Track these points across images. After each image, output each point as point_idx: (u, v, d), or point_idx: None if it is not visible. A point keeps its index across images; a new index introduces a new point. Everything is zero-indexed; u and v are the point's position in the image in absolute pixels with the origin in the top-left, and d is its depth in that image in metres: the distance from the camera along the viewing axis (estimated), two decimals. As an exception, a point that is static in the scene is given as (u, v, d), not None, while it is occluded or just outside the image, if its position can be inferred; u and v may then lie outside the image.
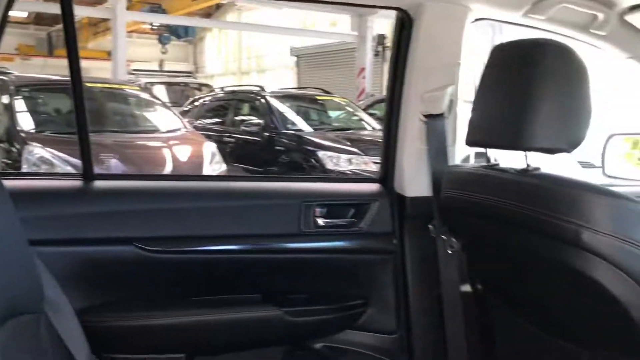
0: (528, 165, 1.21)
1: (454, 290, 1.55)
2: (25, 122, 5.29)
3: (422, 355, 1.62)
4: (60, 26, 1.46)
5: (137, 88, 6.89)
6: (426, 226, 1.56)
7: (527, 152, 1.19)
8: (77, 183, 1.55)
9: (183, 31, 18.67)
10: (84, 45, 17.78)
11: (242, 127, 7.33)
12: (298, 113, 7.52)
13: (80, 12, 13.22)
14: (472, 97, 1.33)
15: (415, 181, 1.62)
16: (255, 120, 7.24)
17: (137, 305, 1.49)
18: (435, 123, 1.56)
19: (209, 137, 6.50)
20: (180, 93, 12.62)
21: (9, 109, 5.34)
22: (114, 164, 4.94)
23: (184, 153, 5.59)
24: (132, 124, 6.30)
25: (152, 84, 11.36)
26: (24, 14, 17.16)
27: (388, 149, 1.68)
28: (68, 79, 1.51)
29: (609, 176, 2.04)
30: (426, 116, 1.57)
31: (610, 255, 1.03)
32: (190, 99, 9.88)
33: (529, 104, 1.14)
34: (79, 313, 1.32)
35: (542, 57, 1.15)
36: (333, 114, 8.12)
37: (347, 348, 1.63)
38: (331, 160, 6.24)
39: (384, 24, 11.78)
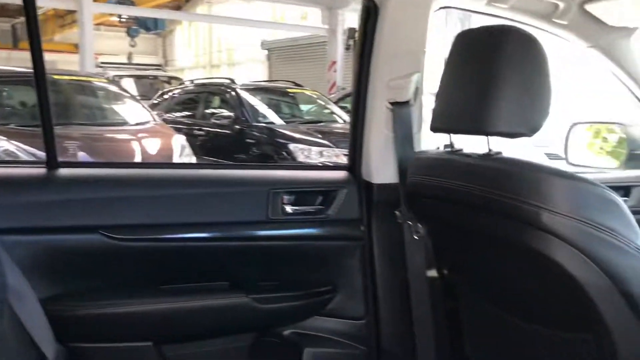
0: (490, 150, 1.23)
1: (420, 276, 1.57)
2: (-10, 115, 5.20)
3: (390, 340, 1.64)
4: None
5: (105, 80, 6.80)
6: (393, 212, 1.58)
7: (490, 137, 1.22)
8: (41, 171, 1.53)
9: (152, 24, 18.41)
10: (50, 38, 17.45)
11: (213, 120, 7.29)
12: (269, 106, 7.50)
13: (45, 3, 12.93)
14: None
15: (382, 168, 1.63)
16: (225, 113, 7.20)
17: (103, 294, 1.48)
18: (401, 110, 1.58)
19: (178, 130, 6.45)
20: (149, 86, 12.48)
21: (-27, 102, 5.24)
22: (82, 157, 4.88)
23: (153, 146, 5.54)
24: (101, 117, 6.23)
25: (121, 77, 11.21)
26: (-13, 6, 16.78)
27: (355, 136, 1.70)
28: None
29: (572, 164, 2.08)
30: (392, 104, 1.59)
31: (568, 235, 1.06)
32: (160, 92, 9.77)
33: (491, 89, 1.16)
34: (44, 302, 1.31)
35: (504, 43, 1.17)
36: (304, 107, 8.12)
37: (315, 334, 1.64)
38: (302, 153, 6.25)
39: (354, 17, 11.80)
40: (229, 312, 1.56)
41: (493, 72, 1.17)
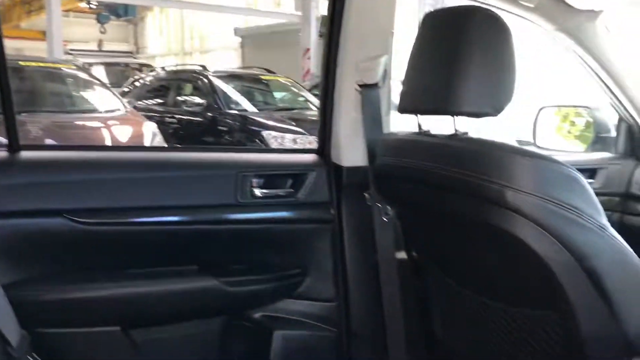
0: (456, 130, 1.24)
1: (389, 257, 1.58)
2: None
3: (360, 321, 1.65)
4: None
5: (74, 67, 6.68)
6: (363, 195, 1.58)
7: (456, 118, 1.23)
8: (2, 154, 1.49)
9: (123, 10, 18.08)
10: (16, 24, 17.04)
11: (185, 108, 7.22)
12: (242, 93, 7.45)
13: (10, -11, 12.65)
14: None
15: (351, 151, 1.64)
16: (197, 100, 7.14)
17: (68, 278, 1.46)
18: (369, 93, 1.58)
19: (150, 118, 6.38)
20: (120, 74, 12.29)
21: None
22: (51, 145, 4.80)
23: (123, 133, 5.48)
24: (70, 104, 6.13)
25: (91, 64, 11.03)
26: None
27: (324, 119, 1.69)
28: None
29: (540, 148, 2.11)
30: (361, 86, 1.59)
31: (532, 213, 1.07)
32: (131, 80, 9.64)
33: (457, 69, 1.17)
34: (7, 287, 1.28)
35: (469, 23, 1.18)
36: (278, 94, 8.09)
37: (285, 317, 1.65)
38: (276, 140, 6.23)
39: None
40: (198, 296, 1.55)
41: (458, 52, 1.17)
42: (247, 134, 6.40)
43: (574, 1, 1.72)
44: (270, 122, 6.45)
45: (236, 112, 6.83)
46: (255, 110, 7.03)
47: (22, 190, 1.42)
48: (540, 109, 2.20)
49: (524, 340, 1.24)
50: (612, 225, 1.13)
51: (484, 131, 1.26)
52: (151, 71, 10.49)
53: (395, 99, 1.47)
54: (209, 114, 6.88)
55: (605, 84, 1.89)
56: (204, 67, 7.90)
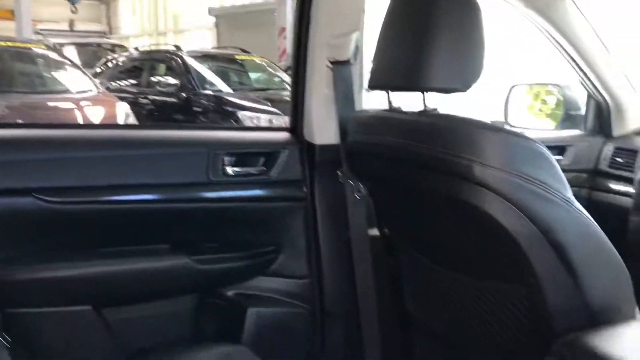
0: (426, 106, 1.25)
1: (362, 235, 1.59)
2: None
3: (333, 298, 1.67)
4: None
5: (45, 47, 6.56)
6: (335, 173, 1.59)
7: (426, 94, 1.23)
8: None
9: (94, -11, 17.73)
10: (-16, 3, 16.62)
11: (158, 88, 7.14)
12: (217, 73, 7.39)
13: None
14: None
15: (323, 128, 1.63)
16: (171, 80, 7.06)
17: (39, 258, 1.44)
18: (341, 69, 1.58)
19: (123, 99, 6.30)
20: (92, 54, 12.07)
21: None
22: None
23: (96, 114, 5.42)
24: (41, 85, 6.03)
25: (62, 44, 10.81)
26: None
27: (297, 97, 1.69)
28: None
29: (512, 126, 2.13)
30: (332, 63, 1.59)
31: (500, 188, 1.08)
32: (103, 60, 9.48)
33: (426, 45, 1.18)
34: None
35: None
36: (253, 75, 8.03)
37: (259, 294, 1.65)
38: (251, 121, 6.21)
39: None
40: (170, 274, 1.55)
41: (428, 28, 1.18)
42: (222, 114, 6.37)
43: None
44: (246, 103, 6.42)
45: (211, 92, 6.77)
46: (230, 90, 6.97)
47: None
48: (512, 87, 2.22)
49: (494, 314, 1.27)
50: (581, 201, 1.15)
51: (457, 112, 1.27)
52: (124, 52, 10.34)
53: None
54: (183, 94, 6.81)
55: (575, 62, 1.91)
56: (177, 47, 7.81)
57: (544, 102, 2.48)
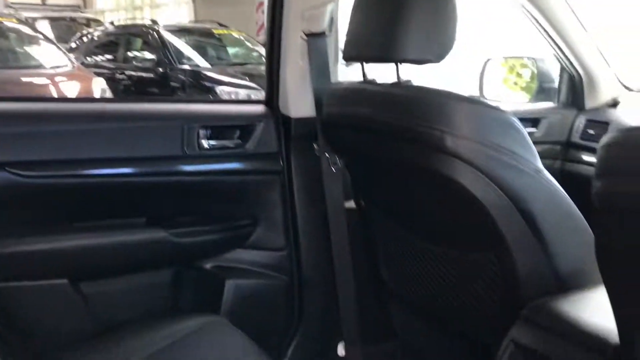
0: (399, 78, 1.26)
1: (338, 207, 1.61)
2: None
3: (311, 268, 1.68)
4: None
5: (16, 21, 6.41)
6: (311, 145, 1.59)
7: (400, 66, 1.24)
8: None
9: (68, -38, 17.29)
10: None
11: (135, 64, 7.04)
12: (194, 48, 7.30)
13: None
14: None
15: (299, 101, 1.63)
16: (148, 55, 6.97)
17: (13, 232, 1.43)
18: (316, 41, 1.57)
19: (99, 75, 6.22)
20: (66, 29, 11.82)
21: None
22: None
23: (71, 90, 5.34)
24: (13, 60, 5.91)
25: (34, 19, 10.56)
26: None
27: (271, 69, 1.68)
28: None
29: (487, 99, 2.15)
30: (307, 35, 1.58)
31: (471, 158, 1.10)
32: (78, 35, 9.30)
33: (399, 17, 1.18)
34: None
35: None
36: (231, 49, 7.95)
37: (237, 266, 1.66)
38: (230, 96, 6.17)
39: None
40: (147, 248, 1.55)
41: (401, 0, 1.18)
42: (200, 90, 6.31)
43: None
44: (224, 78, 6.37)
45: (188, 67, 6.70)
46: (208, 65, 6.90)
47: None
48: (487, 60, 2.23)
49: (467, 282, 1.30)
50: (554, 173, 1.17)
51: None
52: (99, 26, 10.15)
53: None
54: (160, 69, 6.73)
55: (549, 35, 1.92)
56: (154, 21, 7.68)
57: (519, 75, 2.49)
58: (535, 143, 1.19)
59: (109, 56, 7.80)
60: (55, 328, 1.48)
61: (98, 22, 12.53)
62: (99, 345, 1.27)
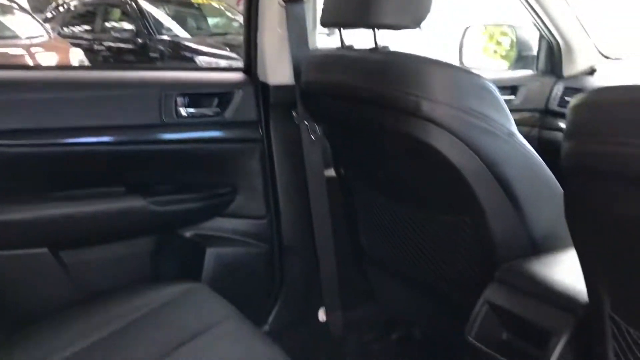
0: (377, 44, 1.25)
1: (318, 175, 1.61)
2: None
3: (291, 236, 1.70)
4: None
5: (-11, -10, 6.25)
6: (291, 113, 1.59)
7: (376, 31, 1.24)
8: None
9: None
10: None
11: (113, 34, 6.92)
12: (174, 18, 7.19)
13: None
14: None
15: (277, 68, 1.63)
16: (126, 26, 6.85)
17: None
18: (294, 8, 1.56)
19: (77, 46, 6.11)
20: (42, -2, 11.56)
21: None
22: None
23: (48, 61, 5.25)
24: (-13, 31, 5.78)
25: (9, -13, 10.30)
26: None
27: (249, 36, 1.66)
28: None
29: (466, 66, 2.16)
30: (285, 1, 1.56)
31: (446, 122, 1.11)
32: (54, 4, 9.10)
33: None
34: None
35: None
36: (212, 20, 7.84)
37: (218, 234, 1.67)
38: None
39: None
40: (126, 216, 1.54)
41: None
42: (180, 60, 6.23)
43: None
44: (204, 48, 6.29)
45: (168, 38, 6.60)
46: (188, 36, 6.81)
47: None
48: (466, 28, 2.23)
49: (444, 246, 1.32)
50: (532, 140, 1.18)
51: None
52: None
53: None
54: (139, 40, 6.63)
55: (528, 3, 1.93)
56: (132, -10, 7.51)
57: (499, 43, 2.50)
58: (513, 111, 1.20)
59: (86, 27, 7.65)
60: (35, 297, 1.48)
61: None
62: (79, 312, 1.27)
